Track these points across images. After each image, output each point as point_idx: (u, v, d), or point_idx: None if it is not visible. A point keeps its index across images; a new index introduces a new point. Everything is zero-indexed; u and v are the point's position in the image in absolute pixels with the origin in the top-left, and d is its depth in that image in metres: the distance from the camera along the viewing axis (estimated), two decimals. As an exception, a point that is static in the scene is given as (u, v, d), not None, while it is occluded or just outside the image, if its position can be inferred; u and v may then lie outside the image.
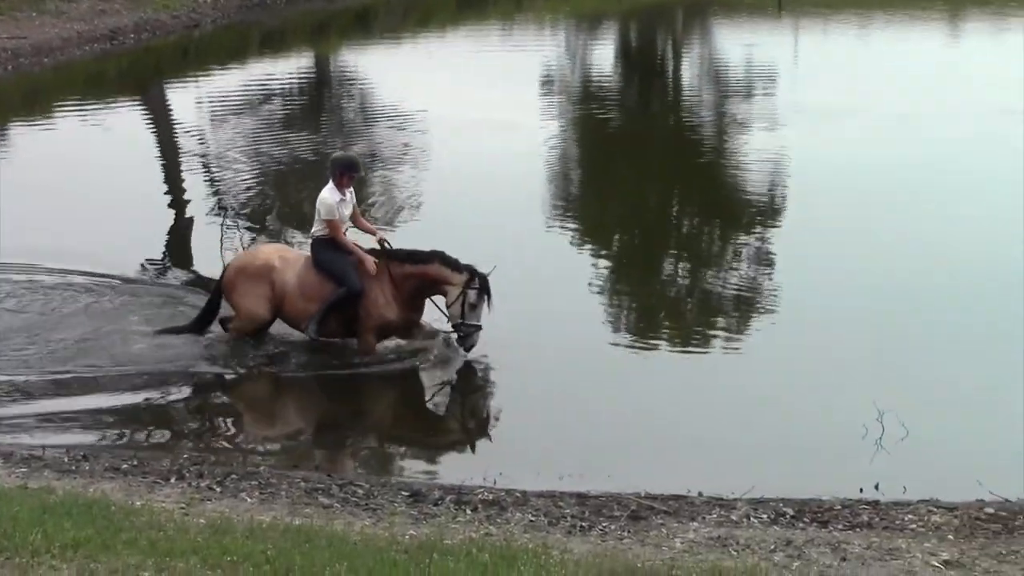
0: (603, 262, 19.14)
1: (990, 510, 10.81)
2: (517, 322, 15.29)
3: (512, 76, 35.40)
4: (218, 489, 11.00)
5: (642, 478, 11.85)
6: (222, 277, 14.91)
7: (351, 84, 36.86)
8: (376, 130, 29.35)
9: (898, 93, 31.81)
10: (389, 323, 14.56)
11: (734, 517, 10.58)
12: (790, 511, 10.75)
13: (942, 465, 12.04)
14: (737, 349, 15.42)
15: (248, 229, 20.53)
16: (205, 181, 24.19)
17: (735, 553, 9.55)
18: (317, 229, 14.66)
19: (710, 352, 15.19)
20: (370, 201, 23.19)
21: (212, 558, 7.97)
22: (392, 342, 14.86)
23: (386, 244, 14.80)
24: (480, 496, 11.01)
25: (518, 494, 11.12)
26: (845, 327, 15.47)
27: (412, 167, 25.26)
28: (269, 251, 15.15)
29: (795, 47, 43.26)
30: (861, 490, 11.40)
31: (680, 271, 18.73)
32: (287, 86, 35.35)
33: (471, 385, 14.53)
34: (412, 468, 12.33)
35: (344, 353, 14.75)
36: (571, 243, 20.00)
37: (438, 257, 14.52)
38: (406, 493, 11.08)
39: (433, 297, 14.69)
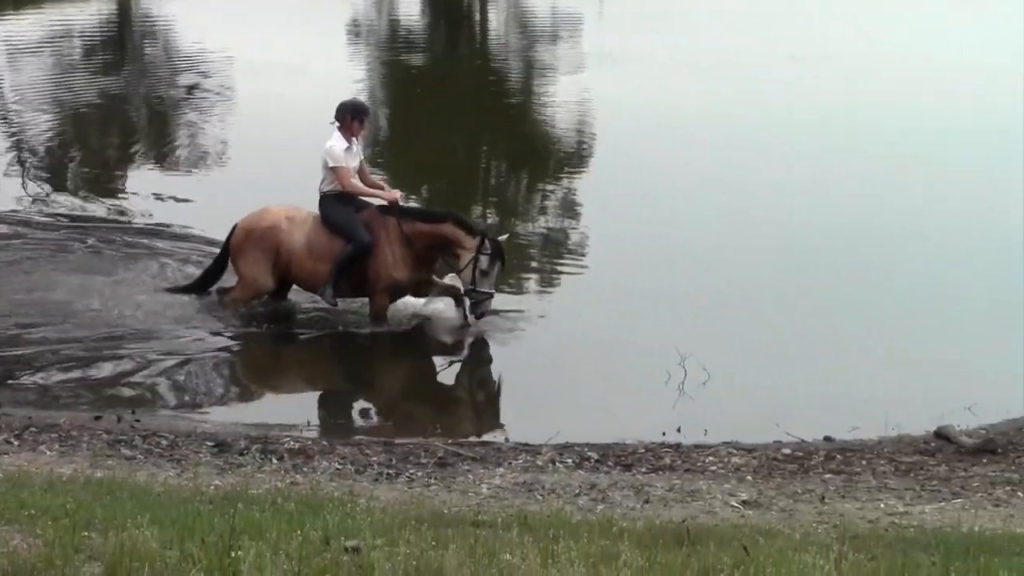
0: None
1: (787, 451, 11.10)
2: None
3: (319, 22, 35.06)
4: (15, 443, 10.73)
5: (449, 426, 11.93)
6: (229, 238, 14.18)
7: (154, 27, 36.11)
8: (181, 75, 28.83)
9: (699, 41, 32.38)
10: (398, 283, 13.83)
11: (539, 462, 10.68)
12: (595, 455, 10.89)
13: (742, 409, 12.28)
14: (545, 293, 15.53)
15: (45, 177, 19.98)
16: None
17: (540, 498, 9.65)
18: (324, 183, 13.93)
19: (517, 297, 15.23)
20: (176, 145, 22.86)
21: (9, 512, 7.78)
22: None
23: (397, 202, 14.04)
24: (286, 445, 10.93)
25: (325, 443, 11.09)
26: (651, 272, 15.68)
27: (216, 112, 24.88)
28: (276, 212, 14.20)
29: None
30: (664, 434, 11.59)
31: (487, 216, 18.78)
32: (87, 29, 34.47)
33: (273, 336, 14.15)
34: (218, 418, 12.12)
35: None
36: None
37: (452, 217, 13.96)
38: (211, 443, 10.94)
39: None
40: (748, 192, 19.35)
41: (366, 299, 14.09)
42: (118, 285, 14.77)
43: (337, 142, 13.83)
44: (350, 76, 28.29)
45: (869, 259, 16.51)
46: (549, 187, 20.27)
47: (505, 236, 13.90)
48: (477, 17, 42.46)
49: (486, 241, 13.59)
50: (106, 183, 20.37)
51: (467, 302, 13.75)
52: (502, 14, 41.82)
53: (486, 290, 13.62)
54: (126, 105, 26.68)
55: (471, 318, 13.79)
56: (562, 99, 25.82)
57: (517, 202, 19.94)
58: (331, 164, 13.80)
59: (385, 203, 13.91)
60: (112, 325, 13.75)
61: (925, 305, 14.94)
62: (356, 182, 13.93)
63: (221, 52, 29.63)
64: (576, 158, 22.22)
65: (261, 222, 14.06)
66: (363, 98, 14.29)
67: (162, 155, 22.38)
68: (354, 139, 13.95)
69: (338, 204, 13.87)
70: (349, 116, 13.89)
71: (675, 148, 21.76)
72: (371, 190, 14.04)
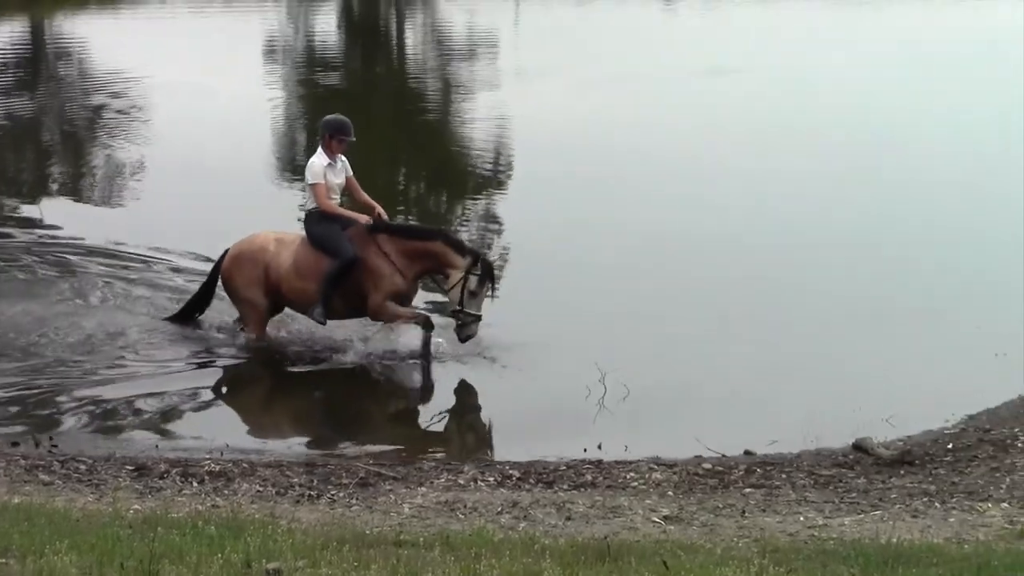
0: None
1: (707, 466, 11.15)
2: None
3: (235, 43, 34.96)
4: (-70, 470, 10.58)
5: (371, 445, 11.90)
6: (218, 265, 14.07)
7: (67, 50, 35.82)
8: (95, 97, 28.62)
9: (616, 57, 32.67)
10: (399, 292, 13.65)
11: (461, 481, 10.67)
12: (516, 473, 10.89)
13: (663, 424, 12.34)
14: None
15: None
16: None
17: (463, 517, 9.64)
18: (310, 202, 13.82)
19: (439, 311, 15.15)
20: (92, 168, 22.72)
21: (-76, 541, 7.69)
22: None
23: (382, 218, 13.88)
24: (207, 468, 10.84)
25: (245, 465, 11.00)
26: (568, 287, 15.71)
27: (129, 132, 24.73)
28: (265, 236, 14.13)
29: (516, 13, 43.66)
30: (585, 450, 11.62)
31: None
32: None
33: (193, 355, 14.04)
34: (137, 442, 12.01)
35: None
36: (297, 207, 19.83)
37: (441, 236, 13.84)
38: (130, 467, 10.84)
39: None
40: (664, 205, 19.55)
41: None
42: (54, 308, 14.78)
43: (318, 159, 13.72)
44: (265, 96, 28.24)
45: (785, 272, 16.68)
46: (468, 203, 20.35)
47: (494, 259, 13.75)
48: (394, 35, 42.47)
49: (478, 262, 13.43)
50: (22, 202, 20.26)
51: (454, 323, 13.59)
52: (419, 32, 41.86)
53: (474, 312, 13.45)
54: (39, 126, 26.49)
55: (433, 347, 13.61)
56: (479, 115, 25.98)
57: (436, 219, 19.94)
58: (310, 181, 13.72)
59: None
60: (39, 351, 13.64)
61: (843, 317, 15.08)
62: (330, 202, 13.76)
63: (135, 72, 29.45)
64: (493, 174, 22.35)
65: (250, 246, 13.98)
66: (342, 117, 14.03)
67: (77, 175, 22.23)
68: (337, 157, 13.79)
69: (323, 221, 13.73)
70: (328, 135, 13.78)
71: (590, 162, 21.96)
72: (346, 212, 13.85)
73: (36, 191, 21.69)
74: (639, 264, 16.78)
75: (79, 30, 38.16)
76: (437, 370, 13.59)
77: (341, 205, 14.05)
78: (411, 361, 13.76)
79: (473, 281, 13.33)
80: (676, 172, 21.69)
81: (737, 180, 21.09)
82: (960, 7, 44.81)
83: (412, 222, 14.89)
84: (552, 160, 22.15)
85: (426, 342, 13.55)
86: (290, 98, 29.69)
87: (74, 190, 21.86)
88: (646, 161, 22.31)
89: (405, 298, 13.81)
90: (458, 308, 13.45)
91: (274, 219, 18.68)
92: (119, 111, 27.03)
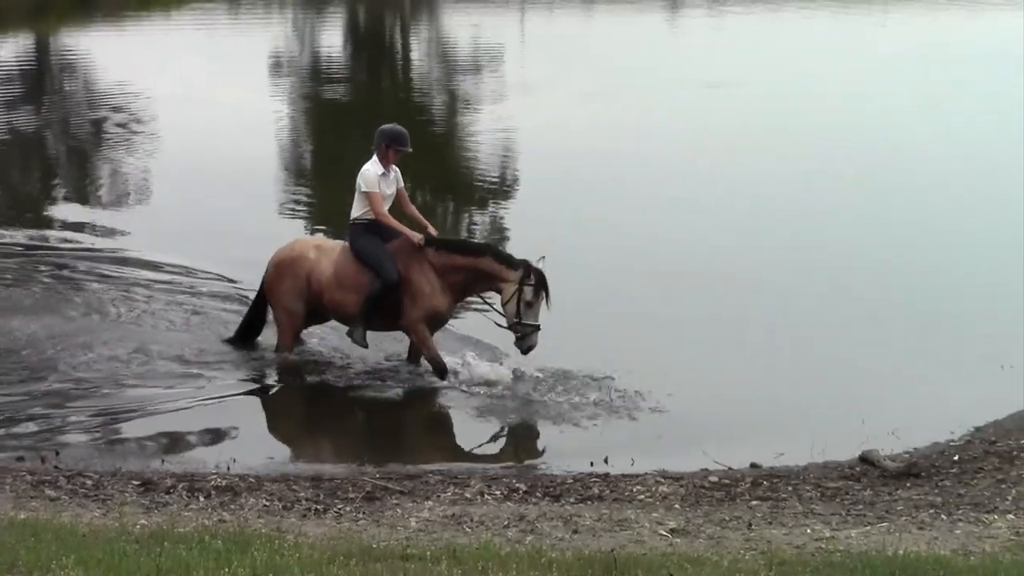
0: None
1: (714, 478, 11.16)
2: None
3: (240, 57, 35.04)
4: (-65, 486, 10.59)
5: (378, 459, 11.90)
6: (264, 277, 14.03)
7: (73, 65, 35.91)
8: (100, 111, 28.69)
9: (619, 67, 32.84)
10: (438, 312, 13.53)
11: (468, 495, 10.67)
12: (523, 487, 10.89)
13: (669, 437, 12.33)
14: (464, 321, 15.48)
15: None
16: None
17: (469, 530, 9.65)
18: (356, 211, 13.62)
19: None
20: (99, 182, 22.80)
21: (-69, 557, 7.71)
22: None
23: (432, 234, 13.68)
24: (213, 483, 10.85)
25: (252, 479, 11.01)
26: (575, 291, 15.63)
27: (139, 148, 24.80)
28: (304, 243, 14.20)
29: (521, 26, 43.78)
30: (592, 464, 11.63)
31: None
32: (5, 67, 34.23)
33: (192, 370, 13.93)
34: (143, 457, 12.01)
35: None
36: (303, 222, 19.90)
37: (490, 251, 13.71)
38: (137, 482, 10.85)
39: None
40: (664, 211, 19.70)
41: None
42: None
43: (373, 167, 13.57)
44: (271, 109, 28.30)
45: (792, 283, 16.69)
46: (475, 214, 20.37)
47: (540, 260, 13.38)
48: (399, 49, 42.55)
49: (530, 272, 13.28)
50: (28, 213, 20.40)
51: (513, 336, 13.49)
52: (424, 46, 41.96)
53: (532, 323, 13.31)
54: (42, 139, 26.61)
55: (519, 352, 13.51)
56: (484, 127, 26.02)
57: (444, 231, 19.95)
58: (364, 188, 13.52)
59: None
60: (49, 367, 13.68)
61: (848, 329, 15.09)
62: (385, 211, 13.59)
63: (139, 86, 29.53)
64: (500, 185, 22.40)
65: (291, 253, 13.94)
66: (399, 126, 13.96)
67: (82, 188, 22.33)
68: (391, 167, 13.66)
69: (367, 234, 13.59)
70: (384, 144, 13.61)
71: (596, 172, 22.06)
72: (397, 224, 13.64)
73: (38, 203, 21.77)
74: (649, 273, 16.81)
75: (84, 44, 38.23)
76: (442, 384, 13.56)
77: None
78: (419, 375, 13.76)
79: (528, 292, 13.22)
80: (674, 178, 22.11)
81: (735, 186, 21.32)
82: (969, 14, 45.07)
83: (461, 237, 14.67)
84: (555, 169, 22.27)
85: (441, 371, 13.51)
86: (295, 111, 29.74)
87: (78, 201, 21.90)
88: (645, 167, 22.63)
89: (442, 319, 13.72)
90: (516, 320, 13.34)
91: (278, 229, 18.88)
92: (122, 124, 27.10)
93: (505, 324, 13.51)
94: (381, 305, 13.48)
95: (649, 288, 16.33)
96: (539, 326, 13.33)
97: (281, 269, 13.85)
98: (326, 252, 13.82)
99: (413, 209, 13.98)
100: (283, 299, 13.81)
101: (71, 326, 14.78)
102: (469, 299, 14.26)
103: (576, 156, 23.29)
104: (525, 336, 13.36)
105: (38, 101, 30.33)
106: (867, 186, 21.53)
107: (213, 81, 30.90)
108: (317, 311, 13.97)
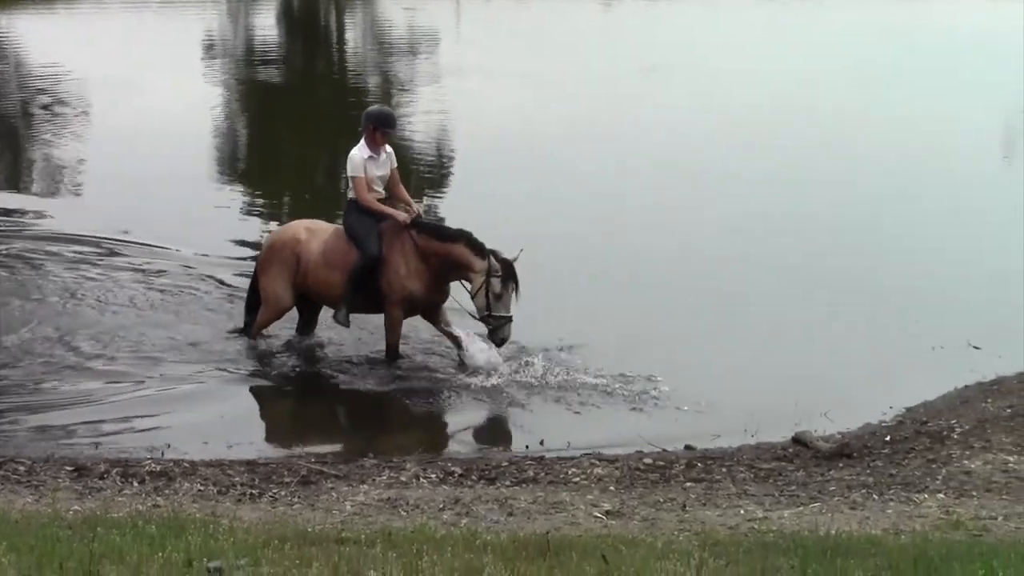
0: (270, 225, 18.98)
1: (649, 460, 11.21)
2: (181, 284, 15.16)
3: (173, 41, 34.78)
4: None
5: (313, 444, 11.89)
6: (258, 258, 13.93)
7: (2, 46, 35.52)
8: (30, 93, 28.42)
9: (552, 55, 32.90)
10: (412, 296, 13.37)
11: (404, 478, 10.68)
12: (458, 470, 10.91)
13: (604, 420, 12.37)
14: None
15: None
16: None
17: (404, 514, 9.65)
18: (350, 193, 13.57)
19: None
20: (33, 163, 22.62)
21: None
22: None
23: (420, 216, 13.56)
24: (147, 468, 10.79)
25: (186, 464, 10.96)
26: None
27: (67, 129, 24.60)
28: (297, 225, 14.00)
29: (457, 12, 43.71)
30: (527, 446, 11.66)
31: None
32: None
33: (129, 354, 13.83)
34: (76, 443, 11.91)
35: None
36: (239, 209, 19.81)
37: (464, 238, 13.30)
38: (70, 468, 10.77)
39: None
40: (600, 193, 19.80)
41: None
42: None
43: (359, 151, 13.45)
44: (203, 91, 28.13)
45: (724, 265, 16.76)
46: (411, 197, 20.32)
47: (516, 256, 13.21)
48: (334, 31, 42.38)
49: (496, 263, 13.12)
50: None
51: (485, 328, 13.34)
52: (359, 29, 41.81)
53: (502, 314, 13.16)
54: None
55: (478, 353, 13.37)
56: (420, 111, 26.01)
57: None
58: (349, 173, 13.48)
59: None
60: None
61: (780, 313, 15.19)
62: (370, 196, 13.46)
63: (72, 68, 29.28)
64: (437, 168, 22.41)
65: (282, 235, 13.86)
66: (386, 108, 13.88)
67: (14, 172, 22.16)
68: (380, 149, 13.54)
69: (359, 212, 13.49)
70: (371, 126, 13.47)
71: (529, 156, 22.14)
72: (380, 207, 13.50)
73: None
74: (576, 254, 16.85)
75: (14, 27, 37.84)
76: (377, 369, 13.54)
77: (385, 201, 13.74)
78: (353, 361, 13.73)
79: (496, 284, 13.07)
80: (605, 160, 22.07)
81: (671, 173, 21.38)
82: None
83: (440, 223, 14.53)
84: (491, 153, 22.32)
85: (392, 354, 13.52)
86: (229, 93, 29.58)
87: (12, 184, 21.72)
88: (574, 149, 22.68)
89: (424, 303, 13.55)
90: (486, 313, 13.21)
91: (213, 213, 18.81)
92: (51, 107, 26.87)
93: (476, 315, 13.40)
94: (363, 284, 13.37)
95: (582, 265, 16.37)
96: (510, 317, 13.19)
97: (272, 251, 13.76)
98: (317, 234, 13.71)
99: (403, 190, 13.83)
100: (272, 282, 13.70)
101: (8, 308, 14.63)
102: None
103: (510, 136, 23.38)
104: (496, 328, 13.22)
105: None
106: (808, 173, 21.68)
107: (144, 64, 30.66)
108: (306, 297, 13.83)
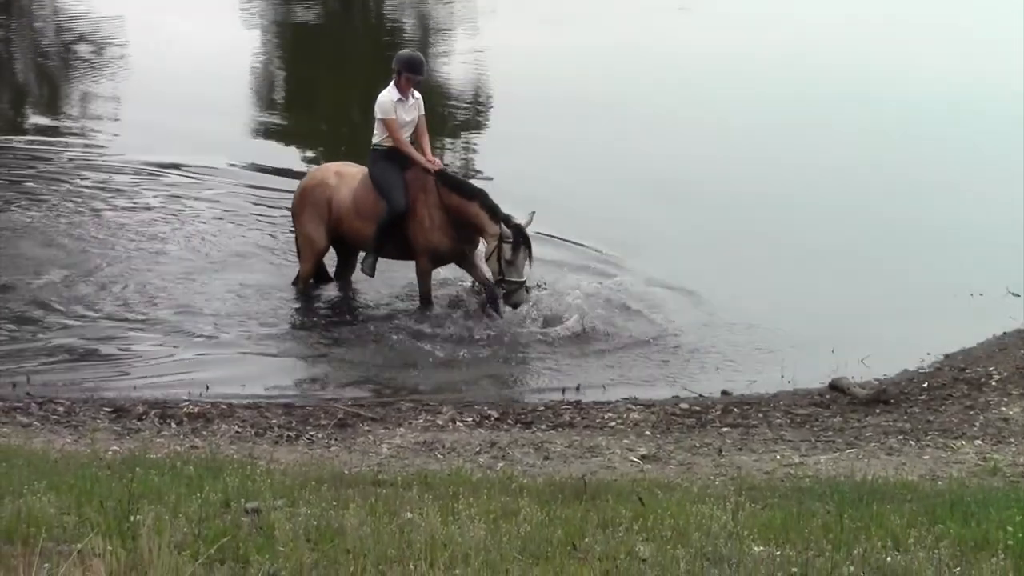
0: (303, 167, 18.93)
1: (685, 406, 11.23)
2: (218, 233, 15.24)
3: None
4: (-95, 411, 10.56)
5: (350, 387, 11.92)
6: (292, 205, 13.95)
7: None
8: (69, 35, 28.41)
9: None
10: (437, 249, 13.29)
11: (440, 421, 10.71)
12: (495, 414, 10.94)
13: (641, 366, 12.36)
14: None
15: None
16: None
17: (441, 457, 9.69)
18: (376, 137, 13.40)
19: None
20: (71, 104, 22.70)
21: (-98, 481, 7.69)
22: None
23: (444, 168, 13.54)
24: (185, 409, 10.86)
25: (224, 406, 11.02)
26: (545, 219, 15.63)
27: (111, 70, 24.61)
28: (326, 168, 13.96)
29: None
30: (563, 391, 11.67)
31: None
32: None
33: (170, 299, 13.78)
34: (115, 383, 11.95)
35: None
36: (277, 149, 19.80)
37: (479, 197, 13.13)
38: (108, 409, 10.85)
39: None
40: (636, 135, 19.70)
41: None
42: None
43: (388, 93, 13.31)
44: (238, 35, 28.09)
45: (762, 213, 16.66)
46: (448, 140, 20.26)
47: (528, 220, 13.03)
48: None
49: (507, 229, 12.89)
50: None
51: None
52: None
53: (515, 279, 12.96)
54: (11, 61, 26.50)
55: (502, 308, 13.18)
56: (457, 51, 25.96)
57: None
58: (379, 115, 13.31)
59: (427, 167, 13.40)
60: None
61: (818, 260, 15.10)
62: (402, 137, 13.35)
63: (108, 12, 29.25)
64: (474, 109, 22.33)
65: (311, 180, 13.85)
66: (416, 53, 14.10)
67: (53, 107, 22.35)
68: (409, 93, 13.39)
69: (384, 161, 13.38)
70: (398, 71, 13.35)
71: (567, 94, 22.01)
72: (414, 152, 13.38)
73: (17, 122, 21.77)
74: (614, 206, 16.74)
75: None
76: (414, 314, 13.53)
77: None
78: (389, 308, 13.74)
79: (507, 250, 12.86)
80: (647, 96, 22.00)
81: (701, 112, 21.26)
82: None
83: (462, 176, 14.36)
84: (528, 91, 22.24)
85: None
86: (267, 37, 29.53)
87: (55, 119, 21.85)
88: (614, 86, 22.55)
89: (452, 254, 13.45)
90: (500, 277, 13.04)
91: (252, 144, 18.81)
92: (90, 47, 26.88)
93: (491, 278, 13.27)
94: (391, 234, 13.34)
95: (629, 216, 16.29)
96: (524, 282, 13.04)
97: (303, 196, 13.74)
98: (346, 179, 13.65)
99: (426, 141, 13.63)
100: (305, 226, 13.70)
101: (51, 252, 14.69)
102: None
103: (547, 78, 23.28)
104: (511, 292, 13.06)
105: (5, 25, 30.05)
106: (843, 124, 21.48)
107: (182, 5, 30.66)
108: (335, 238, 13.81)
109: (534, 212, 13.10)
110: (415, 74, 13.44)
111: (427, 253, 13.38)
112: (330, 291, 14.04)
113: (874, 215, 16.59)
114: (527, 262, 12.98)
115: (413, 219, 13.30)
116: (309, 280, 13.93)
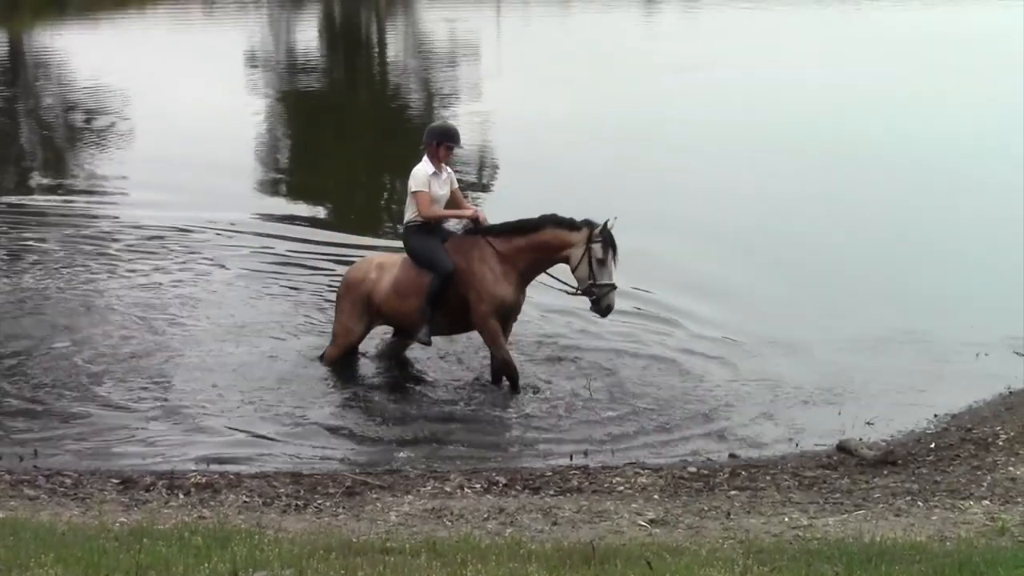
0: (315, 232, 19.01)
1: (693, 469, 11.21)
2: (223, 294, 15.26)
3: (216, 53, 34.99)
4: (-85, 488, 10.56)
5: (357, 455, 11.91)
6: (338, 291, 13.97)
7: (47, 62, 35.79)
8: (75, 112, 28.64)
9: (595, 61, 33.13)
10: (505, 301, 13.07)
11: (448, 488, 10.70)
12: (503, 479, 10.92)
13: (648, 430, 12.35)
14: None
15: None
16: None
17: (449, 524, 9.67)
18: (408, 213, 13.30)
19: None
20: (80, 181, 22.86)
21: (-89, 557, 7.69)
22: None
23: (484, 221, 13.31)
24: (193, 480, 10.86)
25: (232, 476, 11.02)
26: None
27: (119, 146, 24.80)
28: (368, 262, 13.85)
29: (497, 24, 43.85)
30: (571, 457, 11.66)
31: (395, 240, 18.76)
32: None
33: (177, 370, 13.82)
34: (123, 455, 11.95)
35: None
36: (281, 217, 19.90)
37: (549, 222, 12.96)
38: (116, 480, 10.85)
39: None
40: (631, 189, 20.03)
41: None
42: None
43: (423, 167, 13.20)
44: (248, 104, 28.29)
45: (767, 271, 16.71)
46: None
47: (612, 223, 12.82)
48: (375, 42, 42.55)
49: (594, 231, 12.76)
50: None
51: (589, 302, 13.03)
52: (400, 39, 41.99)
53: (607, 282, 12.83)
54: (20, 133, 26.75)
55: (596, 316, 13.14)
56: (463, 117, 26.16)
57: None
58: (413, 188, 13.17)
59: (469, 223, 13.35)
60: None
61: (823, 321, 15.12)
62: (435, 208, 13.25)
63: (118, 84, 29.52)
64: (477, 173, 22.50)
65: (356, 273, 13.73)
66: (450, 123, 14.07)
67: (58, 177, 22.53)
68: (443, 167, 13.34)
69: (421, 234, 13.29)
70: (435, 142, 13.24)
71: (573, 158, 22.23)
72: (450, 212, 13.41)
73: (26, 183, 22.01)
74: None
75: (58, 41, 38.14)
76: (420, 379, 13.57)
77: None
78: (396, 376, 13.76)
79: (598, 249, 12.72)
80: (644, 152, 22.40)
81: (704, 162, 21.50)
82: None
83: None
84: (533, 155, 22.47)
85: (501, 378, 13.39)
86: (272, 104, 29.74)
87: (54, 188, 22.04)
88: (615, 146, 22.80)
89: (512, 309, 13.32)
90: (590, 283, 12.85)
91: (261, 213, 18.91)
92: (97, 119, 27.08)
93: (579, 290, 13.05)
94: (442, 302, 13.20)
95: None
96: (615, 285, 12.89)
97: (347, 288, 13.69)
98: (387, 268, 13.53)
99: (466, 206, 13.64)
100: (343, 315, 13.70)
101: (53, 323, 14.82)
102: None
103: (556, 142, 23.55)
104: (602, 297, 12.87)
105: (11, 99, 30.28)
106: (846, 171, 21.62)
107: (188, 75, 30.87)
108: (378, 323, 13.77)
109: (616, 217, 12.88)
110: (453, 142, 13.32)
111: (494, 310, 13.12)
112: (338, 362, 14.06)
113: (874, 270, 16.67)
114: (614, 264, 12.84)
115: (473, 278, 13.09)
116: (333, 363, 13.89)
